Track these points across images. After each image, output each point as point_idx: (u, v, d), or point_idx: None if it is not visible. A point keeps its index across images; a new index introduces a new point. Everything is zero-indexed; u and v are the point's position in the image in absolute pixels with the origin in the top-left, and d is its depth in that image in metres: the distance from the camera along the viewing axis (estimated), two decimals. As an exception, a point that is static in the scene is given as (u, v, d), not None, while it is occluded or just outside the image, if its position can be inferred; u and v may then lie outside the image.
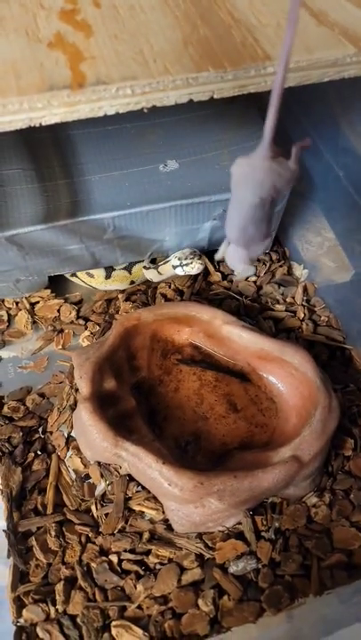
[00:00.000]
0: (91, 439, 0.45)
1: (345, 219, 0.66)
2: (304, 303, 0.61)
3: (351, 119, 0.58)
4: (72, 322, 0.59)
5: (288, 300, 0.61)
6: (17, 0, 0.39)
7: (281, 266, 0.64)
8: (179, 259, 0.56)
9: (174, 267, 0.57)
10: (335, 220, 0.68)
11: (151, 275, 0.60)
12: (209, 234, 0.57)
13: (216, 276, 0.63)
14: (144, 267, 0.60)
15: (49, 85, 0.32)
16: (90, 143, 0.55)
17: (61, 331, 0.59)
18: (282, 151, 0.32)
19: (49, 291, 0.60)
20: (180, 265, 0.56)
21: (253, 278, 0.63)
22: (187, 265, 0.56)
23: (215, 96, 0.36)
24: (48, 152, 0.54)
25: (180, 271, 0.57)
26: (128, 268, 0.60)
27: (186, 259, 0.56)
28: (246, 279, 0.62)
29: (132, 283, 0.62)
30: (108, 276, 0.60)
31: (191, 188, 0.53)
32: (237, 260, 0.38)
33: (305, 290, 0.62)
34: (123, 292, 0.61)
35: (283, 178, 0.31)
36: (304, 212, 0.69)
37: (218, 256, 0.44)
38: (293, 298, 0.61)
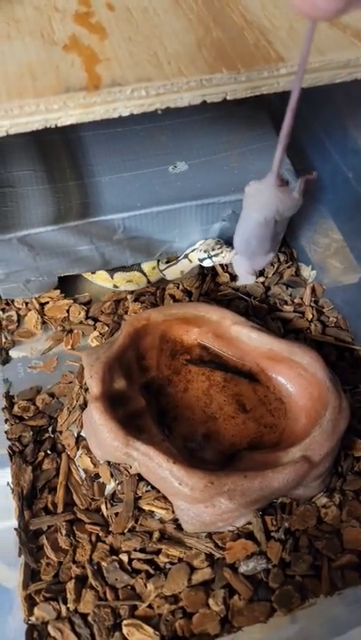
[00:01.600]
0: (101, 438, 0.46)
1: (353, 220, 0.66)
2: (312, 304, 0.61)
3: (359, 120, 0.58)
4: (81, 322, 0.59)
5: (296, 300, 0.61)
6: (31, 3, 0.39)
7: (289, 267, 0.64)
8: (205, 251, 0.55)
9: (201, 260, 0.56)
10: (343, 222, 0.68)
11: (171, 273, 0.60)
12: (218, 235, 0.57)
13: (224, 277, 0.63)
14: (159, 268, 0.60)
15: (65, 87, 0.33)
16: (100, 145, 0.56)
17: (70, 331, 0.59)
18: (287, 182, 0.36)
19: (58, 291, 0.60)
20: (209, 256, 0.55)
21: (262, 279, 0.63)
22: (216, 255, 0.55)
23: (228, 97, 0.36)
24: (59, 153, 0.55)
25: (208, 263, 0.56)
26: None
27: (213, 249, 0.55)
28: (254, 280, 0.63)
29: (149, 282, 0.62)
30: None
31: (200, 190, 0.53)
32: (241, 268, 0.41)
33: (313, 291, 0.62)
34: (132, 292, 0.62)
35: (285, 204, 0.35)
36: (311, 213, 0.69)
37: (226, 260, 0.51)
38: (301, 299, 0.61)
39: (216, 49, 0.36)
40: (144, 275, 0.60)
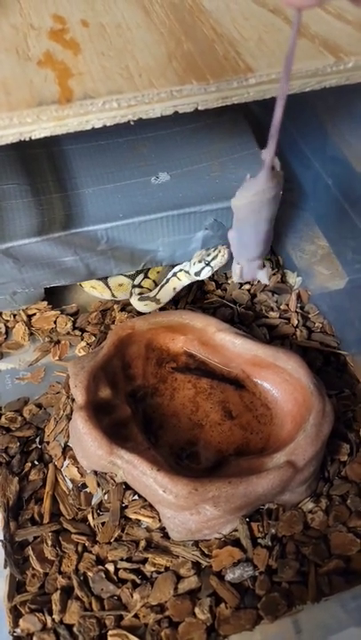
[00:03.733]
0: (86, 447, 0.46)
1: (337, 226, 0.67)
2: (298, 310, 0.61)
3: (339, 128, 0.59)
4: (68, 333, 0.60)
5: (282, 307, 0.62)
6: (8, 21, 0.40)
7: (275, 274, 0.65)
8: (199, 261, 0.54)
9: (197, 273, 0.54)
10: (328, 228, 0.69)
11: (148, 305, 0.58)
12: (201, 243, 0.57)
13: (210, 285, 0.63)
14: (138, 298, 0.59)
15: (38, 101, 0.33)
16: (83, 157, 0.57)
17: (58, 342, 0.59)
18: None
19: (45, 303, 0.61)
20: (207, 264, 0.54)
21: (247, 287, 0.63)
22: (214, 258, 0.53)
23: (200, 107, 0.37)
24: (43, 167, 0.56)
25: (207, 272, 0.54)
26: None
27: (208, 255, 0.54)
28: (240, 287, 0.63)
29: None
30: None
31: (182, 199, 0.54)
32: (238, 268, 0.42)
33: (299, 297, 0.62)
34: (118, 302, 0.62)
35: (277, 189, 0.36)
36: (296, 220, 0.70)
37: (225, 258, 0.53)
38: (287, 305, 0.62)
39: (186, 61, 0.37)
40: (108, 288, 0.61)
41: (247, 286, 0.63)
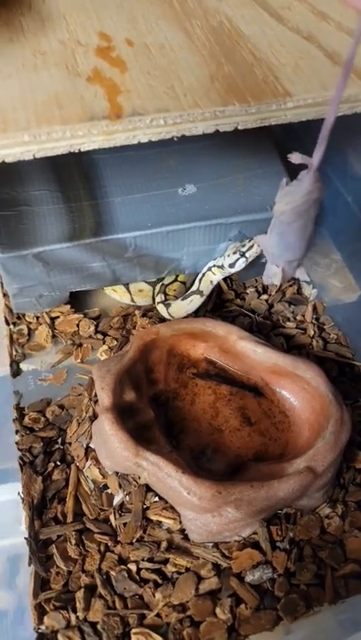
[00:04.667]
0: (112, 449, 0.47)
1: (352, 242, 0.69)
2: (314, 321, 0.63)
3: (358, 149, 0.61)
4: (90, 336, 0.61)
5: (298, 318, 0.64)
6: (56, 36, 0.43)
7: (291, 286, 0.67)
8: (234, 252, 0.56)
9: (232, 264, 0.56)
10: (342, 243, 0.71)
11: (193, 299, 0.60)
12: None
13: (229, 294, 0.65)
14: (164, 303, 0.60)
15: (90, 116, 0.35)
16: (113, 167, 0.58)
17: (80, 345, 0.61)
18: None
19: (69, 306, 0.62)
20: (243, 255, 0.56)
21: (265, 297, 0.65)
22: (250, 249, 0.55)
23: (240, 127, 0.39)
24: (73, 175, 0.58)
25: (242, 263, 0.56)
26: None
27: (243, 246, 0.56)
28: (258, 297, 0.65)
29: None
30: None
31: (208, 211, 0.56)
32: (287, 275, 0.42)
33: (314, 308, 0.64)
34: (139, 308, 0.64)
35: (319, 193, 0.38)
36: (312, 234, 0.72)
37: (258, 250, 0.55)
38: (303, 316, 0.64)
39: (228, 83, 0.39)
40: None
41: (265, 296, 0.65)
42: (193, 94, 0.38)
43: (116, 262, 0.56)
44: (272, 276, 0.44)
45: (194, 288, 0.60)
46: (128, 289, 0.62)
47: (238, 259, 0.56)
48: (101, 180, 0.57)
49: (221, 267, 0.58)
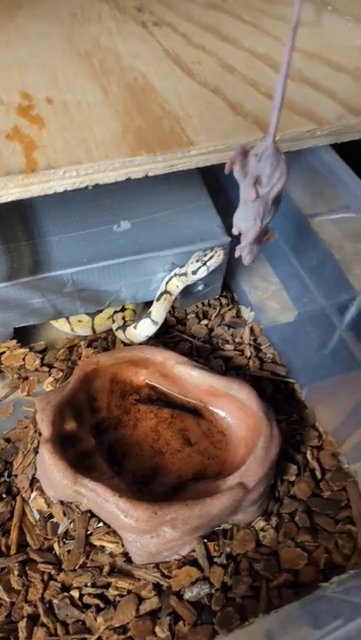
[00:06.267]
0: (52, 478, 0.49)
1: (286, 264, 0.74)
2: (251, 342, 0.67)
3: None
4: (36, 369, 0.63)
5: (237, 340, 0.67)
6: (-20, 96, 0.46)
7: (230, 309, 0.71)
8: (196, 260, 0.58)
9: (195, 271, 0.58)
10: (278, 266, 0.75)
11: (146, 328, 0.62)
12: (160, 284, 0.63)
13: (171, 321, 0.68)
14: (134, 326, 0.63)
15: (6, 171, 0.39)
16: (50, 207, 0.62)
17: (26, 378, 0.63)
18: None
19: (15, 341, 0.64)
20: (204, 264, 0.57)
21: (205, 322, 0.69)
22: (210, 258, 0.57)
23: (149, 174, 0.43)
24: (11, 216, 0.60)
25: (203, 271, 0.58)
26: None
27: (205, 255, 0.57)
28: (198, 322, 0.68)
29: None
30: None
31: (142, 245, 0.59)
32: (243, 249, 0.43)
33: (252, 330, 0.68)
34: (85, 338, 0.66)
35: (281, 168, 0.37)
36: (250, 260, 0.77)
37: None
38: (242, 338, 0.67)
39: (138, 135, 0.43)
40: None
41: (205, 321, 0.69)
42: (105, 146, 0.41)
43: (55, 297, 0.59)
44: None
45: (151, 311, 0.62)
46: (68, 319, 0.64)
47: (200, 267, 0.58)
48: (39, 221, 0.60)
49: (185, 274, 0.60)
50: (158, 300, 0.62)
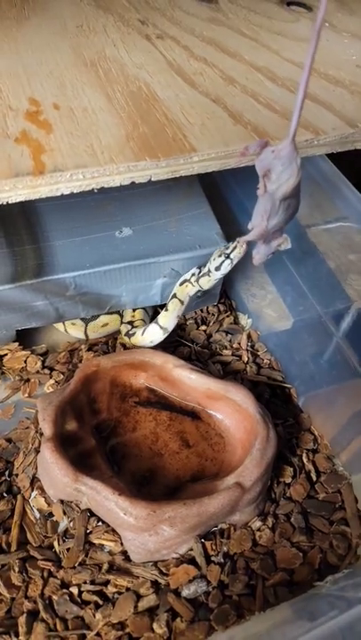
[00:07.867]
0: (53, 476, 0.49)
1: (284, 273, 0.76)
2: (248, 348, 0.68)
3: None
4: (38, 371, 0.64)
5: (235, 345, 0.68)
6: (-11, 103, 0.48)
7: (228, 316, 0.72)
8: (219, 255, 0.57)
9: (218, 267, 0.57)
10: (275, 276, 0.77)
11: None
12: (160, 289, 0.64)
13: (170, 326, 0.70)
14: (143, 331, 0.64)
15: (15, 173, 0.40)
16: (54, 213, 0.63)
17: (28, 380, 0.64)
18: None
19: (17, 343, 0.65)
20: (227, 257, 0.56)
21: (204, 327, 0.70)
22: (233, 250, 0.56)
23: (152, 179, 0.44)
24: (17, 221, 0.62)
25: (227, 265, 0.57)
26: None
27: (227, 248, 0.56)
28: (197, 328, 0.70)
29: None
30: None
31: (143, 251, 0.61)
32: (258, 249, 0.44)
33: (249, 337, 0.69)
34: (85, 342, 0.67)
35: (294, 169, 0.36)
36: (248, 268, 0.78)
37: (244, 250, 0.56)
38: (239, 344, 0.68)
39: (142, 141, 0.45)
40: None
41: (204, 327, 0.70)
42: (110, 151, 0.43)
43: (58, 300, 0.60)
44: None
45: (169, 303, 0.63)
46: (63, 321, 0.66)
47: (224, 261, 0.57)
48: (44, 226, 0.62)
49: (207, 273, 0.59)
50: (167, 306, 0.63)
